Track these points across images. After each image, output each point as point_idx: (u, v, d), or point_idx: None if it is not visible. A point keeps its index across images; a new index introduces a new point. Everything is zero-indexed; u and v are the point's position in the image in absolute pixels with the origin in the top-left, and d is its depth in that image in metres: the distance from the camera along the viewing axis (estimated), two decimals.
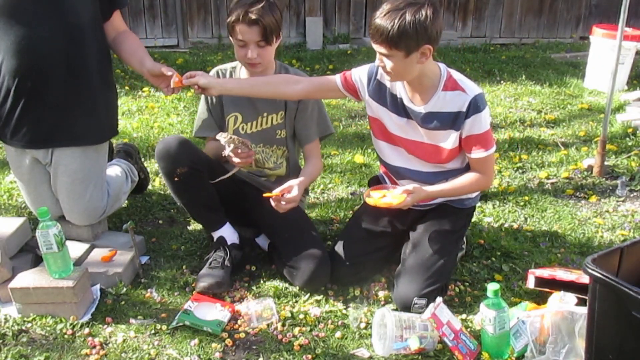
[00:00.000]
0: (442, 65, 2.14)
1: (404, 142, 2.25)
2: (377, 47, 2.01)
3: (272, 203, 2.23)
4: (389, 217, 2.40)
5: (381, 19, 1.94)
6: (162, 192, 3.08)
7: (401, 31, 1.90)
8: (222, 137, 2.26)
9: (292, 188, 2.22)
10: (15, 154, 2.40)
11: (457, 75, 2.15)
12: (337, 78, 2.29)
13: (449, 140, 2.16)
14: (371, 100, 2.26)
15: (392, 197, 2.13)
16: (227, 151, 2.24)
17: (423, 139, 2.21)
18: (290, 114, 2.41)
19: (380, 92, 2.23)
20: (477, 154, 2.16)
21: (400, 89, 2.18)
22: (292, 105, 2.39)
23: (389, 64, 2.01)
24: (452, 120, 2.12)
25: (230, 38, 2.30)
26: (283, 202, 2.22)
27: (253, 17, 2.17)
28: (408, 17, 1.90)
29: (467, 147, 2.17)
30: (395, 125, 2.24)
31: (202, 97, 2.47)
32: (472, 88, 2.11)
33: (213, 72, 2.46)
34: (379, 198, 2.16)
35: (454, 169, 2.26)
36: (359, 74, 2.26)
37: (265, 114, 2.39)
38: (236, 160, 2.27)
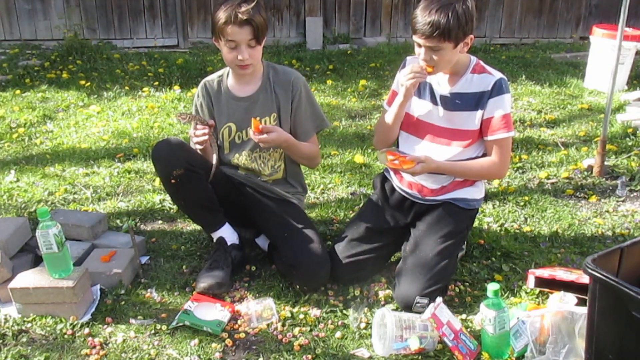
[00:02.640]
0: (472, 56, 2.27)
1: (429, 128, 2.31)
2: (425, 42, 2.08)
3: (251, 134, 2.26)
4: (391, 212, 2.41)
5: (432, 14, 2.03)
6: (162, 192, 3.08)
7: (454, 24, 2.02)
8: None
9: (276, 129, 2.29)
10: None
11: (484, 63, 2.27)
12: (385, 104, 2.44)
13: (472, 121, 2.23)
14: None
15: (402, 162, 2.20)
16: (192, 130, 2.31)
17: (447, 124, 2.27)
18: (284, 115, 2.40)
19: None
20: (495, 135, 2.22)
21: (430, 77, 2.27)
22: (286, 105, 2.38)
23: (435, 57, 2.10)
24: (477, 101, 2.20)
25: (217, 42, 2.29)
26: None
27: (244, 17, 2.17)
28: (459, 9, 2.03)
29: (486, 130, 2.23)
30: (422, 111, 2.31)
31: (193, 109, 2.49)
32: (497, 72, 2.23)
33: (201, 86, 2.45)
34: (390, 160, 2.22)
35: (468, 158, 2.29)
36: (396, 81, 2.37)
37: (257, 118, 2.38)
38: (195, 140, 2.29)
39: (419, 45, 2.12)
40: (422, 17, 2.04)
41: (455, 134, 2.26)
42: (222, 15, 2.20)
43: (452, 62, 2.16)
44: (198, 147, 2.34)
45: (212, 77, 2.47)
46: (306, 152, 2.45)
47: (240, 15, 2.16)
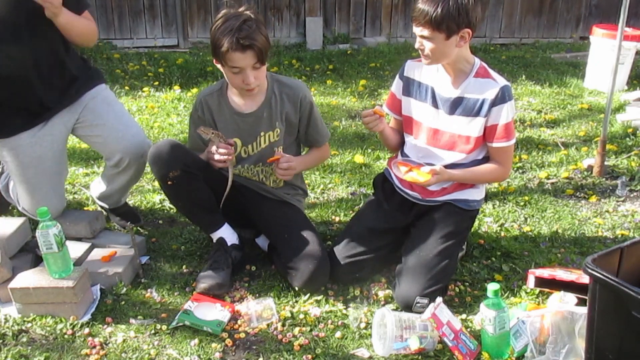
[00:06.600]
0: (477, 58, 2.25)
1: (430, 132, 2.31)
2: (419, 30, 2.10)
3: (277, 170, 2.32)
4: (391, 212, 2.41)
5: (425, 2, 2.05)
6: (162, 192, 3.07)
7: (444, 13, 2.02)
8: (204, 133, 2.29)
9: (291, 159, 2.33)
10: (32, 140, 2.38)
11: (488, 67, 2.26)
12: (385, 107, 2.46)
13: (474, 127, 2.23)
14: (404, 97, 2.37)
15: (418, 174, 2.23)
16: (214, 147, 2.27)
17: (449, 128, 2.27)
18: (290, 128, 2.39)
19: (409, 87, 2.35)
20: (498, 143, 2.23)
21: (432, 79, 2.28)
22: (294, 119, 2.37)
23: (428, 45, 2.11)
24: (479, 107, 2.20)
25: (218, 64, 2.22)
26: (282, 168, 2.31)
27: (247, 42, 2.09)
28: (451, 1, 2.03)
29: (489, 136, 2.24)
30: (423, 115, 2.32)
31: (190, 122, 2.47)
32: (501, 79, 2.23)
33: (200, 101, 2.39)
34: (405, 172, 2.26)
35: (472, 161, 2.30)
36: (394, 84, 2.41)
37: (262, 133, 2.36)
38: (217, 157, 2.26)
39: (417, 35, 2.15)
40: (418, 4, 2.08)
41: (457, 139, 2.26)
42: (222, 40, 2.11)
43: (447, 54, 2.13)
44: (217, 164, 2.32)
45: (211, 92, 2.41)
46: (312, 163, 2.58)
47: (242, 41, 2.09)
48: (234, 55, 2.12)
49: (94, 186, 2.74)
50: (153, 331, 2.09)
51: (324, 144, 2.53)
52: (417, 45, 2.16)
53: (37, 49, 2.26)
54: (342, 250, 2.35)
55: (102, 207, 2.77)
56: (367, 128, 2.30)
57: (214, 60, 2.24)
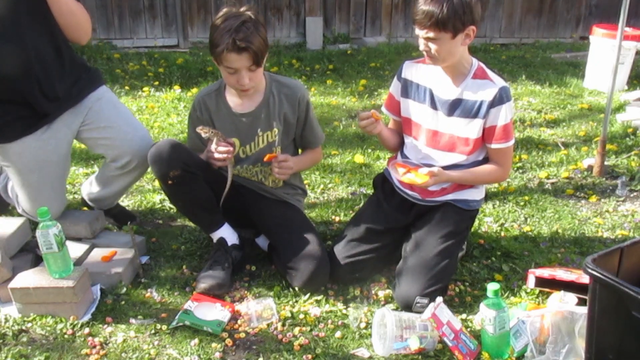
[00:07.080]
0: (474, 59, 2.25)
1: (429, 133, 2.30)
2: (423, 33, 2.09)
3: (274, 168, 2.32)
4: (391, 212, 2.41)
5: (428, 4, 2.03)
6: (162, 192, 3.08)
7: (450, 13, 2.01)
8: (203, 132, 2.27)
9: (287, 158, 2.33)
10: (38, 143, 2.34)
11: (486, 67, 2.25)
12: (384, 108, 2.48)
13: (473, 129, 2.22)
14: (402, 98, 2.37)
15: (415, 175, 2.23)
16: (213, 146, 2.26)
17: (448, 130, 2.26)
18: (287, 128, 2.38)
19: (407, 88, 2.34)
20: (497, 144, 2.22)
21: (430, 80, 2.28)
22: (292, 119, 2.37)
23: (434, 47, 2.10)
24: (478, 108, 2.19)
25: (216, 64, 2.23)
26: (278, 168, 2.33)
27: (242, 44, 2.08)
28: None
29: (488, 138, 2.23)
30: (422, 116, 2.31)
31: (188, 122, 2.46)
32: (499, 80, 2.21)
33: (198, 101, 2.39)
34: (403, 173, 2.26)
35: (473, 162, 2.30)
36: (393, 85, 2.42)
37: (260, 133, 2.36)
38: (217, 156, 2.25)
39: (420, 37, 2.13)
40: (420, 6, 2.06)
41: (456, 140, 2.26)
42: (219, 40, 2.11)
43: (453, 53, 2.13)
44: (217, 163, 2.31)
45: (209, 92, 2.41)
46: (306, 164, 2.57)
47: (238, 43, 2.08)
48: (229, 56, 2.13)
49: (84, 188, 2.72)
50: (153, 331, 2.09)
51: (317, 147, 2.52)
52: (421, 48, 2.14)
53: (39, 47, 2.24)
54: (342, 250, 2.35)
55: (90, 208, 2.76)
56: (365, 131, 2.30)
57: (212, 59, 2.25)
